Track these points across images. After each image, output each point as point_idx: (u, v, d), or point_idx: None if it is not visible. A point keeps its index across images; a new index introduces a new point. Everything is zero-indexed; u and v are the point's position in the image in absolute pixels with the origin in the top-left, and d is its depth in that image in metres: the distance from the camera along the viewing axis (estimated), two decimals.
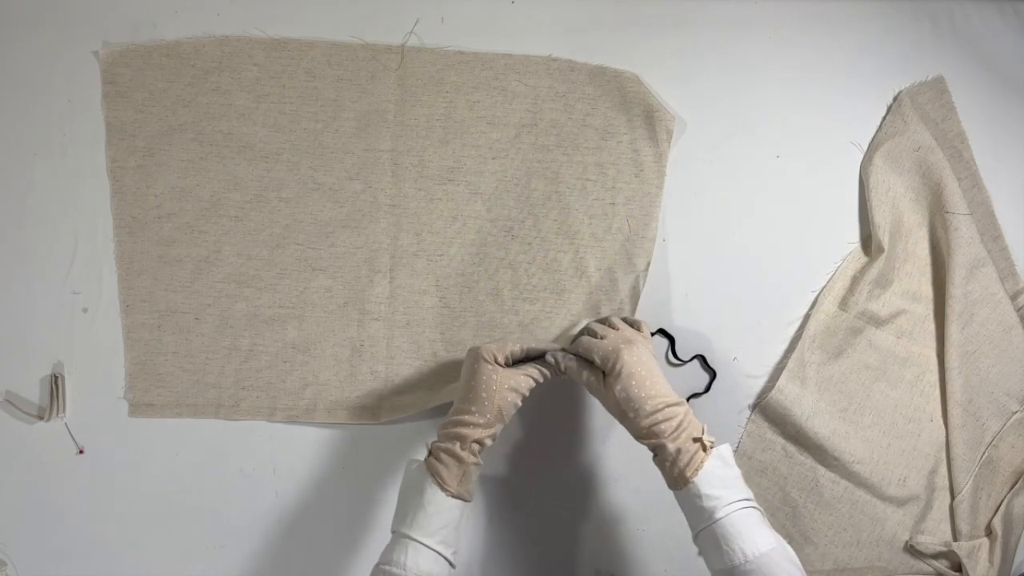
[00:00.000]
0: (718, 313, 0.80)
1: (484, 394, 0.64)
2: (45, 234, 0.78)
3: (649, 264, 0.79)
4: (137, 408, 0.77)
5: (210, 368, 0.77)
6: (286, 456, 0.77)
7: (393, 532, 0.62)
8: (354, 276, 0.79)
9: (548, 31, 0.81)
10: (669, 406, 0.61)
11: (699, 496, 0.58)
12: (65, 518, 0.76)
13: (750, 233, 0.81)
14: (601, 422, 0.78)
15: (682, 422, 0.60)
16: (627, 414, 0.62)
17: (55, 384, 0.75)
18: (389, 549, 0.61)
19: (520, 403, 0.66)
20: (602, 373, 0.64)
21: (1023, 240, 0.84)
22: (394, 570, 0.58)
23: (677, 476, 0.59)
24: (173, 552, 0.76)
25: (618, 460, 0.78)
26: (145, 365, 0.77)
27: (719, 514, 0.57)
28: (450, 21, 0.81)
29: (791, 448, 0.79)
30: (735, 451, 0.79)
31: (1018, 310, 0.82)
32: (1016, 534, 0.80)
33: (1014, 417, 0.81)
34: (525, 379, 0.66)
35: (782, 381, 0.77)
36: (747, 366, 0.80)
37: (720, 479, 0.59)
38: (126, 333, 0.77)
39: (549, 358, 0.67)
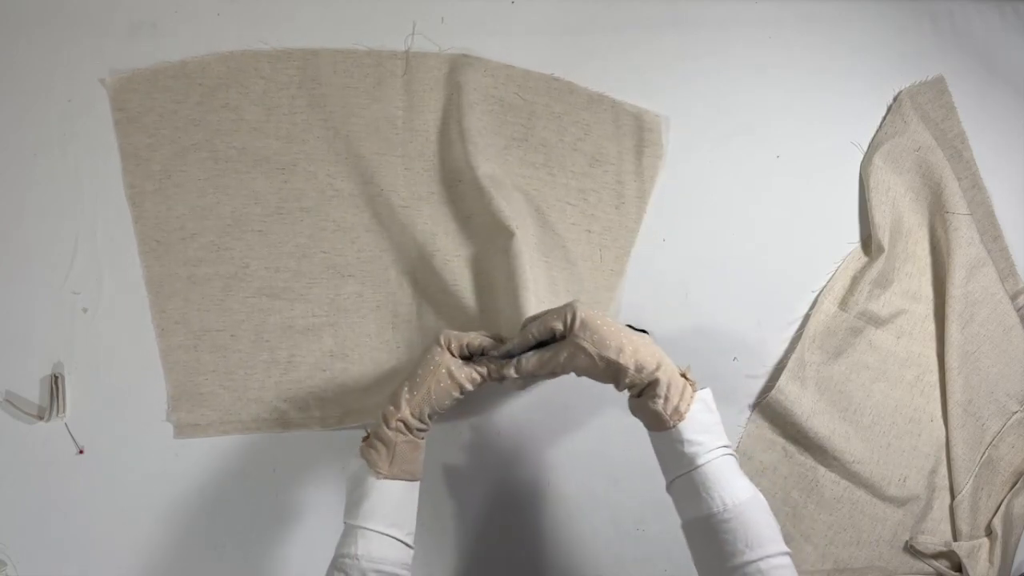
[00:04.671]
0: (718, 313, 0.80)
1: (420, 371, 0.62)
2: (45, 234, 0.77)
3: (614, 300, 0.78)
4: (182, 429, 0.76)
5: (250, 383, 0.77)
6: (286, 456, 0.77)
7: (344, 523, 0.61)
8: (383, 279, 0.78)
9: (547, 31, 0.82)
10: (639, 336, 0.59)
11: (681, 441, 0.56)
12: (65, 518, 0.75)
13: (750, 233, 0.81)
14: (601, 421, 0.78)
15: (661, 354, 0.59)
16: (610, 359, 0.58)
17: (55, 384, 0.75)
18: (341, 541, 0.60)
19: (458, 394, 0.63)
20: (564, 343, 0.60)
21: (1023, 240, 0.84)
22: (347, 561, 0.58)
23: (672, 412, 0.57)
24: (173, 552, 0.76)
25: (618, 460, 0.78)
26: (186, 386, 0.77)
27: (700, 460, 0.55)
28: (450, 21, 0.81)
29: (791, 448, 0.79)
30: (735, 451, 0.79)
31: (1018, 310, 0.82)
32: (1016, 534, 0.80)
33: (1014, 417, 0.81)
34: (470, 371, 0.63)
35: (782, 381, 0.77)
36: (747, 366, 0.80)
37: (702, 424, 0.57)
38: (164, 356, 0.77)
39: (510, 372, 0.62)
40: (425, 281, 0.78)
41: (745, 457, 0.79)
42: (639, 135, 0.80)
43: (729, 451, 0.57)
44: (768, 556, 0.52)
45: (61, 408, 0.75)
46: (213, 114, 0.78)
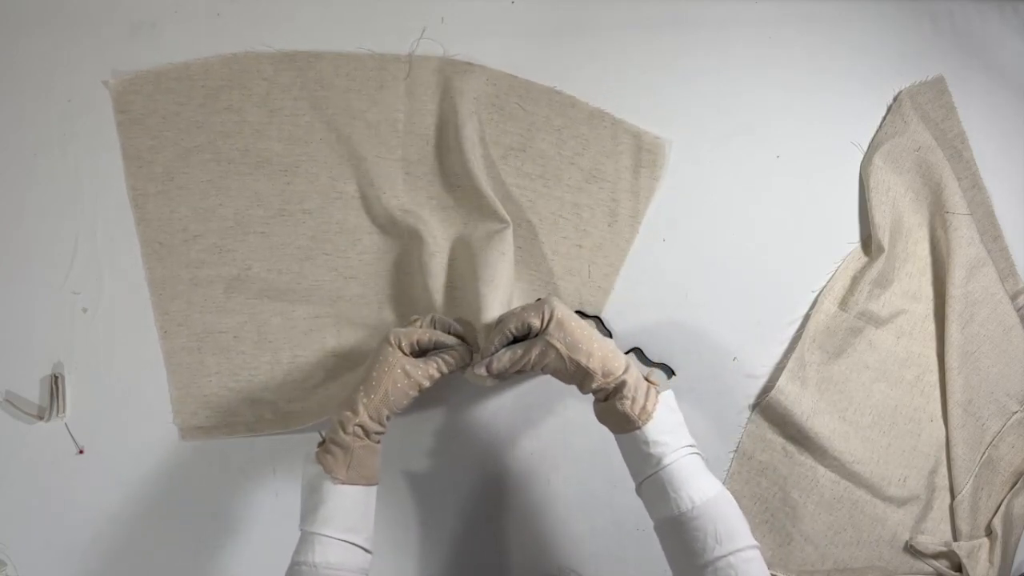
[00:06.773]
0: (718, 313, 0.80)
1: (375, 374, 0.62)
2: (45, 234, 0.78)
3: (599, 317, 0.78)
4: (187, 432, 0.76)
5: (254, 385, 0.77)
6: (286, 456, 0.77)
7: (301, 530, 0.61)
8: (386, 281, 0.78)
9: (547, 31, 0.82)
10: (607, 341, 0.62)
11: (647, 442, 0.58)
12: (65, 518, 0.76)
13: (750, 233, 0.81)
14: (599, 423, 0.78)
15: (626, 359, 0.61)
16: (580, 363, 0.60)
17: (55, 384, 0.75)
18: (298, 548, 0.60)
19: (415, 393, 0.63)
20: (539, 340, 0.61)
21: (1023, 240, 0.84)
22: (304, 568, 0.58)
23: (640, 412, 0.58)
24: (173, 552, 0.76)
25: (617, 460, 0.77)
26: (190, 388, 0.77)
27: (667, 460, 0.57)
28: (450, 21, 0.81)
29: (791, 448, 0.79)
30: (735, 451, 0.79)
31: (1018, 310, 0.82)
32: (1016, 534, 0.80)
33: (1014, 417, 0.81)
34: (426, 368, 0.63)
35: (782, 381, 0.77)
36: (747, 366, 0.80)
37: (667, 424, 0.59)
38: (167, 359, 0.77)
39: (480, 371, 0.63)
40: (427, 284, 0.78)
41: (745, 457, 0.79)
42: (636, 155, 0.80)
43: (694, 450, 0.59)
44: (738, 550, 0.54)
45: (61, 408, 0.75)
46: (216, 116, 0.78)
